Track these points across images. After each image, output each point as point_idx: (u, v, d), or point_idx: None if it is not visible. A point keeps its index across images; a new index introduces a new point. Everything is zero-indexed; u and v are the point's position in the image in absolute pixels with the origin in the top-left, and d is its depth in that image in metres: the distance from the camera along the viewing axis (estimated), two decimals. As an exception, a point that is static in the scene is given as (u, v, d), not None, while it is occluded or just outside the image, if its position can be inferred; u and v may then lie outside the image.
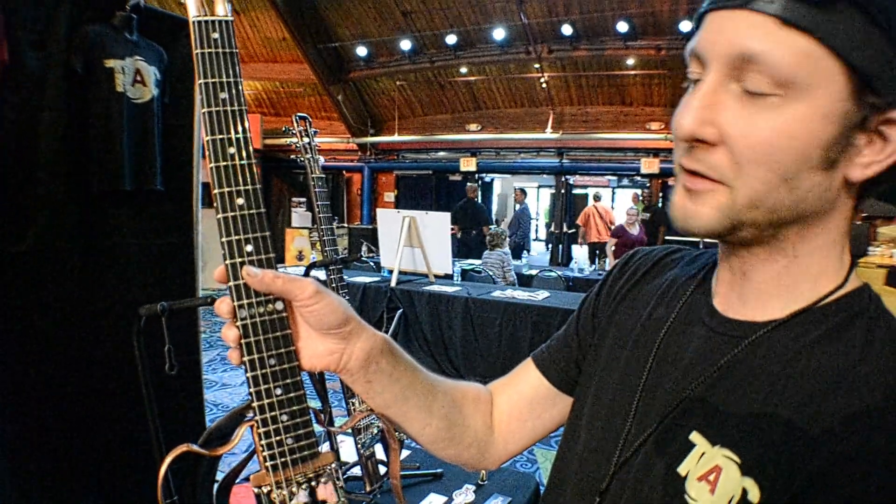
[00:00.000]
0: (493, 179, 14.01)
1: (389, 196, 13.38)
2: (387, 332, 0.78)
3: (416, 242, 5.37)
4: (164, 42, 2.21)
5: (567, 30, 9.62)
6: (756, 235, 0.59)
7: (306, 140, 1.51)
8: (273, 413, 0.63)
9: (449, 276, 5.83)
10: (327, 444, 1.82)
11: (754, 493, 0.53)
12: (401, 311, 5.18)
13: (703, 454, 0.57)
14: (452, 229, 6.22)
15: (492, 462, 0.86)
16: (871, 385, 0.52)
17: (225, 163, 0.62)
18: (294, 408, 0.64)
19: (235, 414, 0.64)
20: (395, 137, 12.56)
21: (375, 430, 1.59)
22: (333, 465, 0.66)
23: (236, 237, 0.62)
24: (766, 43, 0.52)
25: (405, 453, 2.02)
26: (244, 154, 0.63)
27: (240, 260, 0.62)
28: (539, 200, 19.10)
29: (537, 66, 10.56)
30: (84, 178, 1.98)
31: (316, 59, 11.25)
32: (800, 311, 0.59)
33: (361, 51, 11.28)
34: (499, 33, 10.17)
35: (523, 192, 10.82)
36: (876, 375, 0.52)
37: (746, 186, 0.55)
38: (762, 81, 0.53)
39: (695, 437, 0.59)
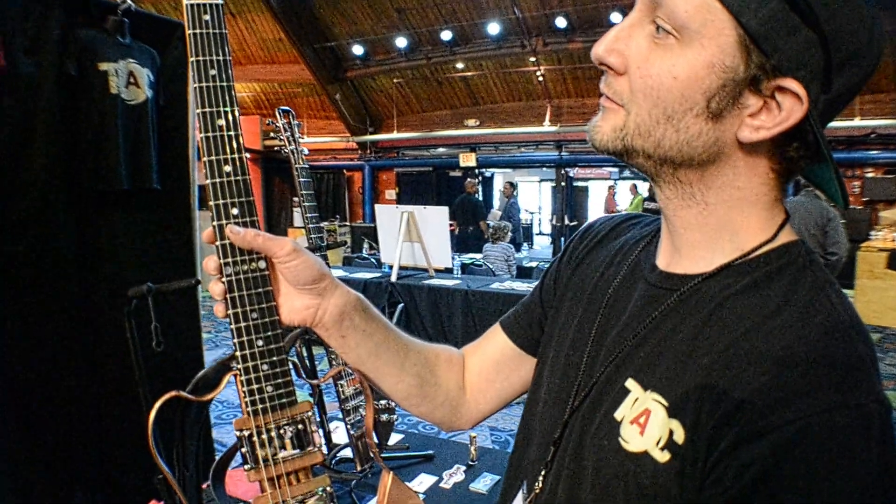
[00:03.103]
0: (493, 175, 14.05)
1: (391, 193, 13.43)
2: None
3: (415, 237, 5.41)
4: (157, 45, 2.26)
5: (561, 22, 9.65)
6: (652, 168, 0.64)
7: (288, 133, 1.57)
8: (255, 362, 0.69)
9: (449, 270, 5.88)
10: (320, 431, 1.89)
11: (679, 434, 0.56)
12: (402, 305, 5.23)
13: (636, 399, 0.61)
14: (451, 226, 6.26)
15: (465, 421, 0.91)
16: (785, 331, 0.55)
17: (214, 133, 0.68)
18: (274, 358, 0.70)
19: (221, 364, 0.71)
20: (395, 135, 12.60)
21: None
22: (310, 413, 0.72)
23: (223, 201, 0.68)
24: None
25: (396, 437, 2.07)
26: (231, 125, 0.69)
27: (226, 222, 0.68)
28: (541, 194, 19.11)
29: (533, 59, 10.59)
30: (81, 178, 2.04)
31: (313, 60, 11.31)
32: (728, 264, 0.63)
33: (357, 49, 11.33)
34: (493, 28, 10.21)
35: (512, 185, 10.91)
36: (791, 322, 0.55)
37: (636, 114, 0.61)
38: (665, 23, 0.57)
39: (630, 383, 0.63)
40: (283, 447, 0.70)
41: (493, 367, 0.89)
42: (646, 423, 0.59)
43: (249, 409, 0.69)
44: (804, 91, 0.55)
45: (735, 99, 0.57)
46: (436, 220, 5.42)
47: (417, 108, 12.66)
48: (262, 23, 11.15)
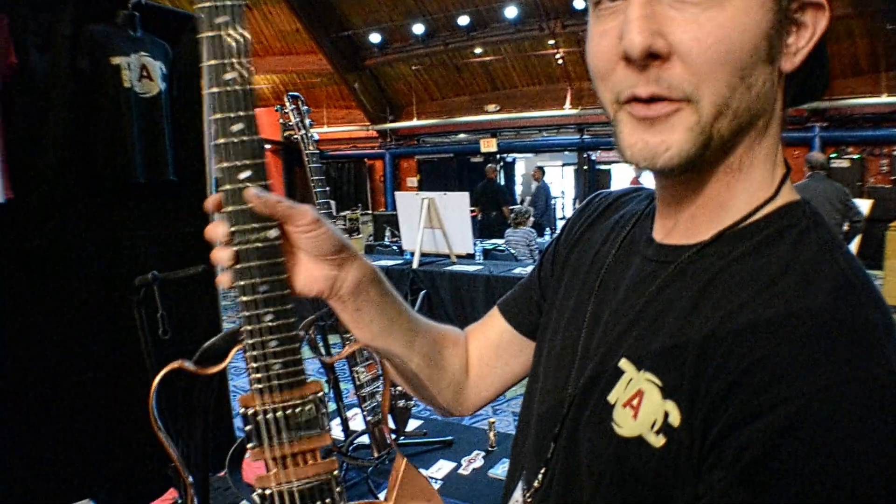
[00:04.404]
0: (514, 160, 13.95)
1: (412, 181, 13.43)
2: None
3: (436, 224, 5.40)
4: (169, 37, 2.27)
5: (580, 3, 9.51)
6: (713, 156, 0.56)
7: (298, 119, 1.56)
8: (263, 338, 0.64)
9: (471, 256, 5.86)
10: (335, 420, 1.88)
11: (675, 416, 0.51)
12: (424, 292, 5.22)
13: (630, 380, 0.57)
14: (473, 211, 6.22)
15: (467, 407, 0.87)
16: (786, 298, 0.50)
17: (222, 88, 0.61)
18: (283, 334, 0.64)
19: (229, 335, 0.66)
20: (414, 122, 12.58)
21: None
22: (321, 394, 0.67)
23: (233, 163, 0.62)
24: None
25: (414, 423, 2.07)
26: (242, 80, 0.62)
27: (236, 186, 0.62)
28: (564, 178, 18.95)
29: (552, 42, 10.47)
30: (97, 172, 2.06)
31: (330, 49, 11.31)
32: (727, 229, 0.57)
33: (375, 37, 11.30)
34: (511, 11, 10.10)
35: (541, 170, 10.82)
36: (792, 288, 0.50)
37: (711, 94, 0.52)
38: None
39: (623, 363, 0.59)
40: (290, 427, 0.66)
41: (493, 351, 0.86)
42: (639, 406, 0.55)
43: (256, 386, 0.65)
44: None
45: (783, 29, 0.53)
46: (456, 206, 5.39)
47: (437, 94, 12.60)
48: (279, 14, 11.17)
